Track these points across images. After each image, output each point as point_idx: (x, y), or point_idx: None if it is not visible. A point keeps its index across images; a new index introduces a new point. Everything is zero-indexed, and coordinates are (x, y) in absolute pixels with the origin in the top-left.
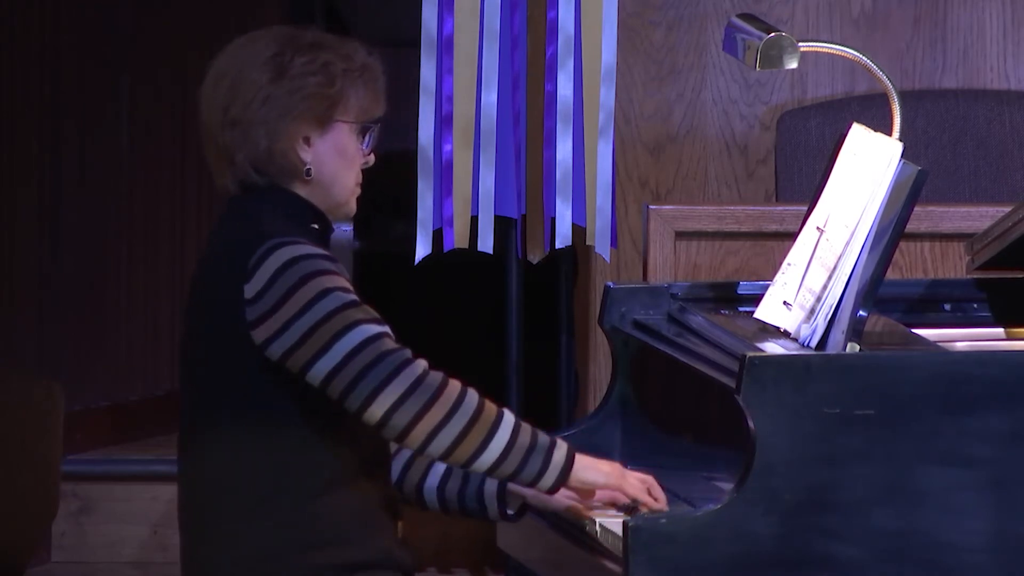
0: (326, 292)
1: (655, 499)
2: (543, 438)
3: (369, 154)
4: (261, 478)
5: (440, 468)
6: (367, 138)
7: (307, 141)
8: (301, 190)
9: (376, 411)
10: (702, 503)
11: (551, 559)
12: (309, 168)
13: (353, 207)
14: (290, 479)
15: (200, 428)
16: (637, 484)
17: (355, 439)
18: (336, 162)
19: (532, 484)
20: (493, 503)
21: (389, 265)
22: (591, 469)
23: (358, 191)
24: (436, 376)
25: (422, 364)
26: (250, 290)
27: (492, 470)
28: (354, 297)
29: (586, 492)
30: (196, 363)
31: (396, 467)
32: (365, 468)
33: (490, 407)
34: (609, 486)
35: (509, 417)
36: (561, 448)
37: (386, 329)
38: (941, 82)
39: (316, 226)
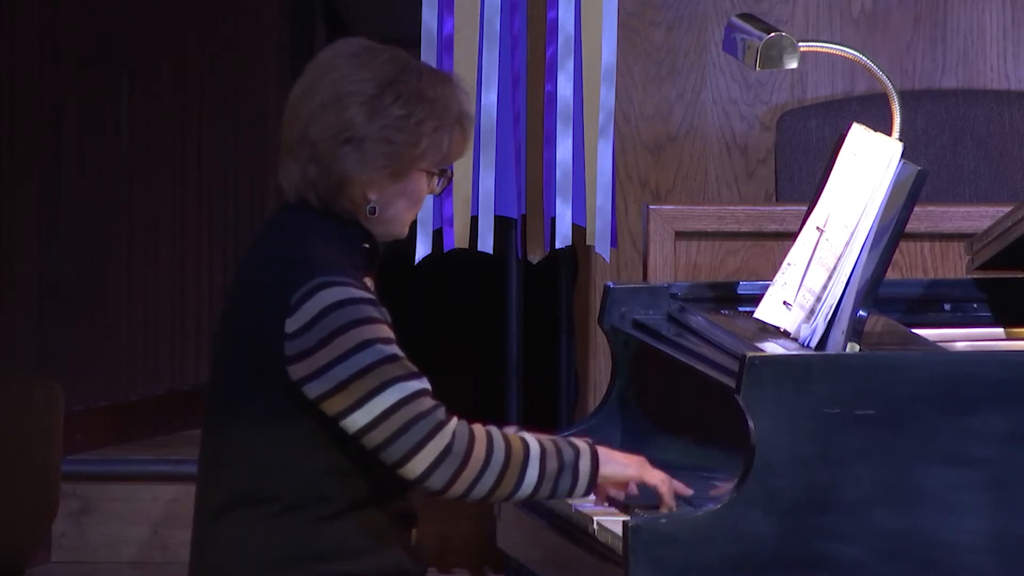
0: (367, 344)
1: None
2: (567, 454)
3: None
4: (286, 494)
5: None
6: (439, 180)
7: (378, 186)
8: (359, 219)
9: (411, 471)
10: (702, 503)
11: (551, 559)
12: (374, 208)
13: (405, 232)
14: (316, 498)
15: (227, 437)
16: (661, 475)
17: (380, 463)
18: (402, 204)
19: (566, 497)
20: None
21: (389, 265)
22: (613, 463)
23: (414, 217)
24: (464, 436)
25: (452, 426)
26: (291, 325)
27: (529, 499)
28: (394, 351)
29: (616, 485)
30: (230, 374)
31: None
32: (388, 489)
33: (517, 449)
34: (631, 478)
35: (535, 450)
36: (584, 456)
37: (423, 384)
38: (941, 82)
39: (367, 246)
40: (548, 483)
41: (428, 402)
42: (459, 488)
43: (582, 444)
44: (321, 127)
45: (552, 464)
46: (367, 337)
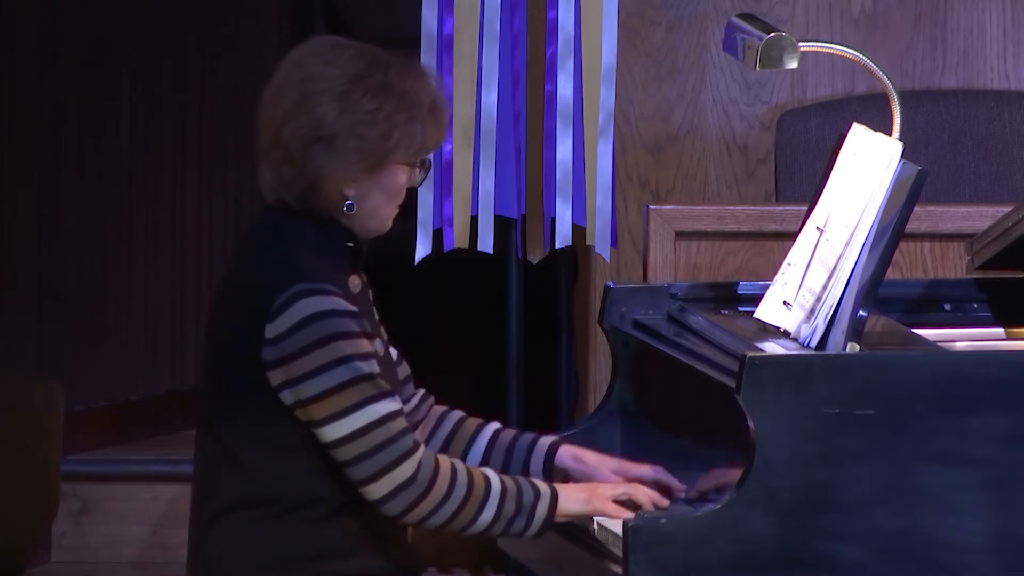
0: (344, 360)
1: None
2: (527, 497)
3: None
4: (281, 496)
5: (479, 449)
6: (418, 171)
7: (354, 181)
8: (338, 216)
9: (371, 493)
10: (702, 503)
11: (551, 559)
12: (351, 204)
13: (388, 227)
14: (310, 497)
15: (220, 439)
16: (614, 508)
17: None
18: (380, 198)
19: (518, 536)
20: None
21: (389, 265)
22: (573, 501)
23: (396, 212)
24: (429, 467)
25: (418, 456)
26: (271, 331)
27: (481, 535)
28: (371, 368)
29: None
30: (218, 377)
31: (434, 445)
32: None
33: (479, 486)
34: (593, 514)
35: (496, 489)
36: (544, 500)
37: (395, 405)
38: (941, 82)
39: (351, 244)
40: (502, 523)
41: (398, 426)
42: (415, 516)
43: (543, 487)
44: (293, 127)
45: (510, 505)
46: (345, 352)
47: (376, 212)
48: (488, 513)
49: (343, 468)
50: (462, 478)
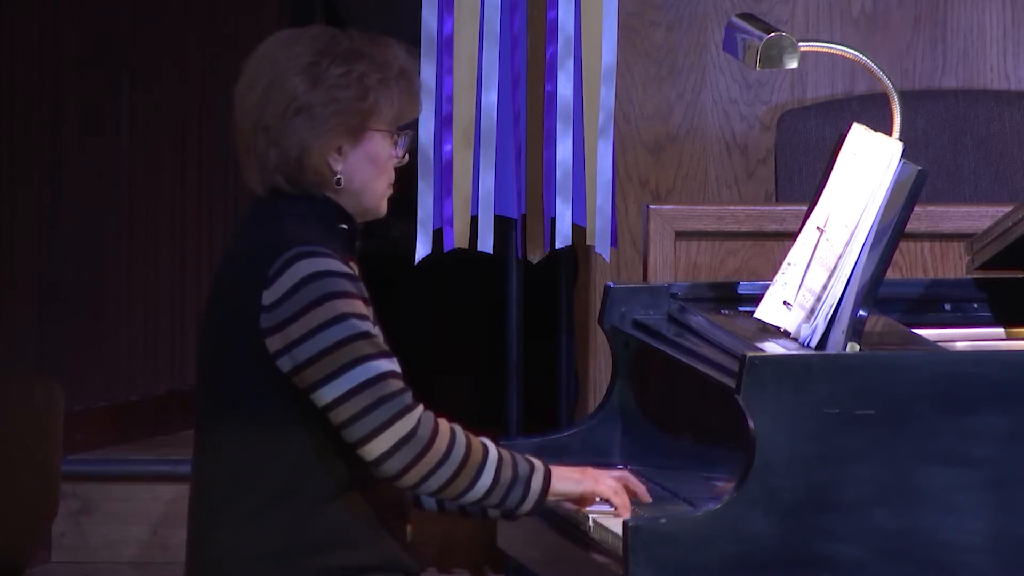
0: (341, 318)
1: (629, 498)
2: (522, 468)
3: (403, 157)
4: (274, 480)
5: None
6: (401, 142)
7: (339, 151)
8: (330, 195)
9: (370, 452)
10: (702, 503)
11: (551, 559)
12: (340, 178)
13: (383, 209)
14: (302, 483)
15: (215, 427)
16: (613, 485)
17: None
18: (367, 170)
19: (512, 511)
20: None
21: (389, 265)
22: (566, 480)
23: (389, 192)
24: (429, 424)
25: (418, 412)
26: (268, 297)
27: (476, 504)
28: (367, 327)
29: (572, 502)
30: (213, 362)
31: None
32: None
33: (476, 449)
34: (584, 493)
35: (493, 456)
36: (538, 473)
37: (393, 366)
38: (941, 82)
39: (344, 226)
40: (499, 491)
41: (396, 384)
42: (414, 476)
43: (537, 462)
44: (270, 109)
45: (507, 473)
46: (341, 311)
47: (367, 187)
48: (486, 479)
49: (342, 431)
50: (461, 440)
